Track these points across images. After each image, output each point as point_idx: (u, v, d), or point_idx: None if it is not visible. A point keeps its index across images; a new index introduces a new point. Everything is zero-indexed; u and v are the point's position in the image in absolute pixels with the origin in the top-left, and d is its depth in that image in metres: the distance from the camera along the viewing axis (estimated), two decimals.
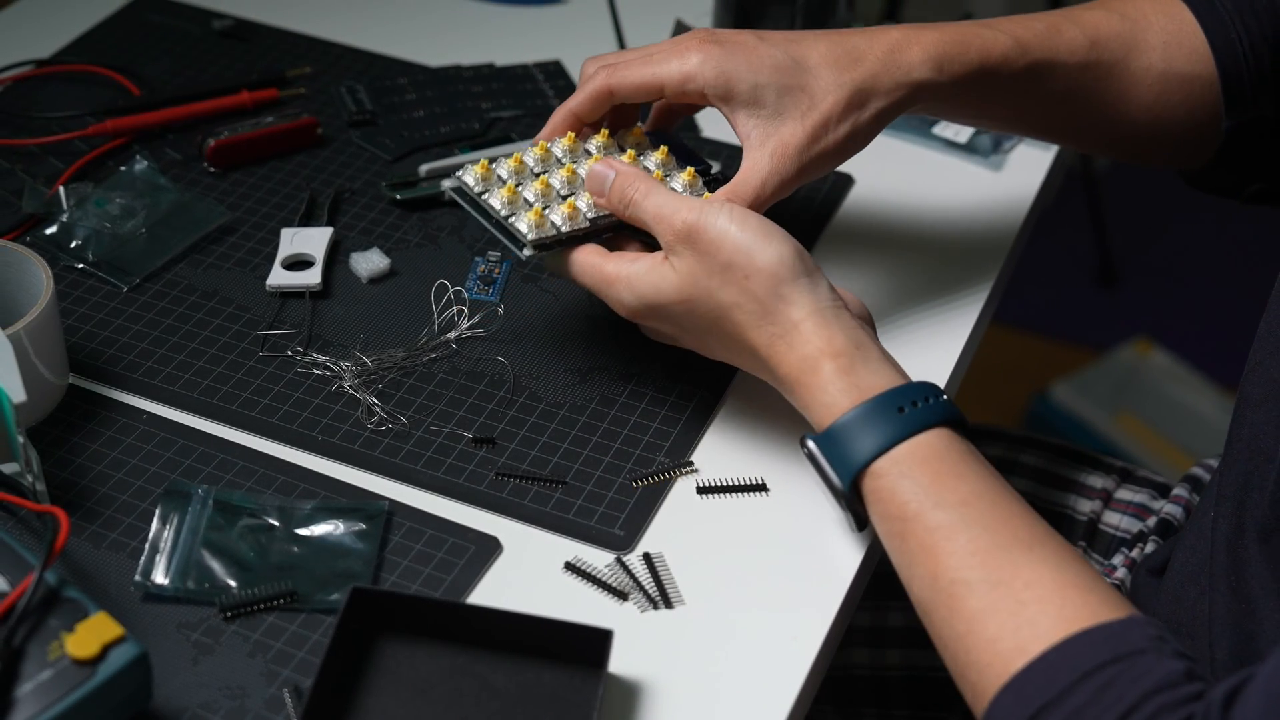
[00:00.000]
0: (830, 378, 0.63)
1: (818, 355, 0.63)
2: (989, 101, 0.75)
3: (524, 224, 0.69)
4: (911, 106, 0.73)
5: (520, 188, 0.71)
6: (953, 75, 0.72)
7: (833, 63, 0.71)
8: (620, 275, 0.68)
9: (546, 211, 0.70)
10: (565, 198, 0.71)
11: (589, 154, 0.73)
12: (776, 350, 0.64)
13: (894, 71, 0.71)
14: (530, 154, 0.73)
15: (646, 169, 0.73)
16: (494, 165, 0.72)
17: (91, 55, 0.98)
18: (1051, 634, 0.54)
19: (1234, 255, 2.08)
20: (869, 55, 0.71)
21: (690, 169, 0.73)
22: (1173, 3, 0.78)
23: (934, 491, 0.60)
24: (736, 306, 0.65)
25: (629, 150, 0.73)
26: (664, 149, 0.74)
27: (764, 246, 0.65)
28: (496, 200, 0.71)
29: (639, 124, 0.76)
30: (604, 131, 0.74)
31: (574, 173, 0.72)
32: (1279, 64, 0.76)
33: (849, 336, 0.64)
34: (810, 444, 0.63)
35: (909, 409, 0.61)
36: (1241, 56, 0.76)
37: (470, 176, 0.72)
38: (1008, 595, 0.56)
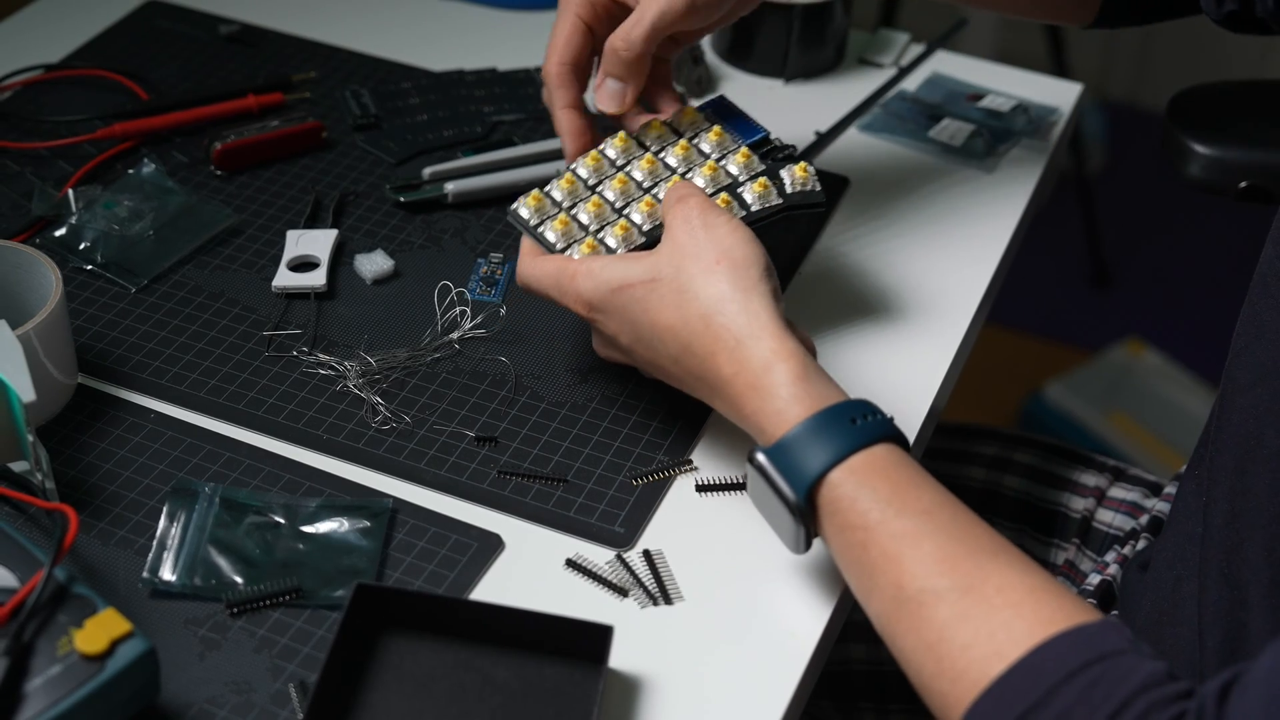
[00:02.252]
0: (783, 381, 0.61)
1: (771, 357, 0.62)
2: None
3: (577, 256, 0.70)
4: None
5: (574, 210, 0.72)
6: None
7: None
8: (581, 268, 0.67)
9: (600, 235, 0.71)
10: (620, 210, 0.72)
11: (644, 148, 0.74)
12: (726, 346, 0.63)
13: None
14: (584, 166, 0.74)
15: (702, 151, 0.75)
16: (547, 190, 0.73)
17: (100, 60, 0.98)
18: (1028, 638, 0.53)
19: (1224, 257, 2.09)
20: None
21: (745, 149, 0.74)
22: None
23: (895, 501, 0.58)
24: (695, 294, 0.64)
25: (683, 139, 0.75)
26: (718, 129, 0.75)
27: (744, 245, 0.65)
28: (551, 234, 0.71)
29: (691, 104, 0.76)
30: (656, 123, 0.75)
31: (625, 181, 0.73)
32: None
33: (798, 347, 0.63)
34: (760, 457, 0.61)
35: (860, 421, 0.60)
36: None
37: (525, 210, 0.72)
38: (979, 601, 0.55)
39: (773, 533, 0.67)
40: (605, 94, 0.74)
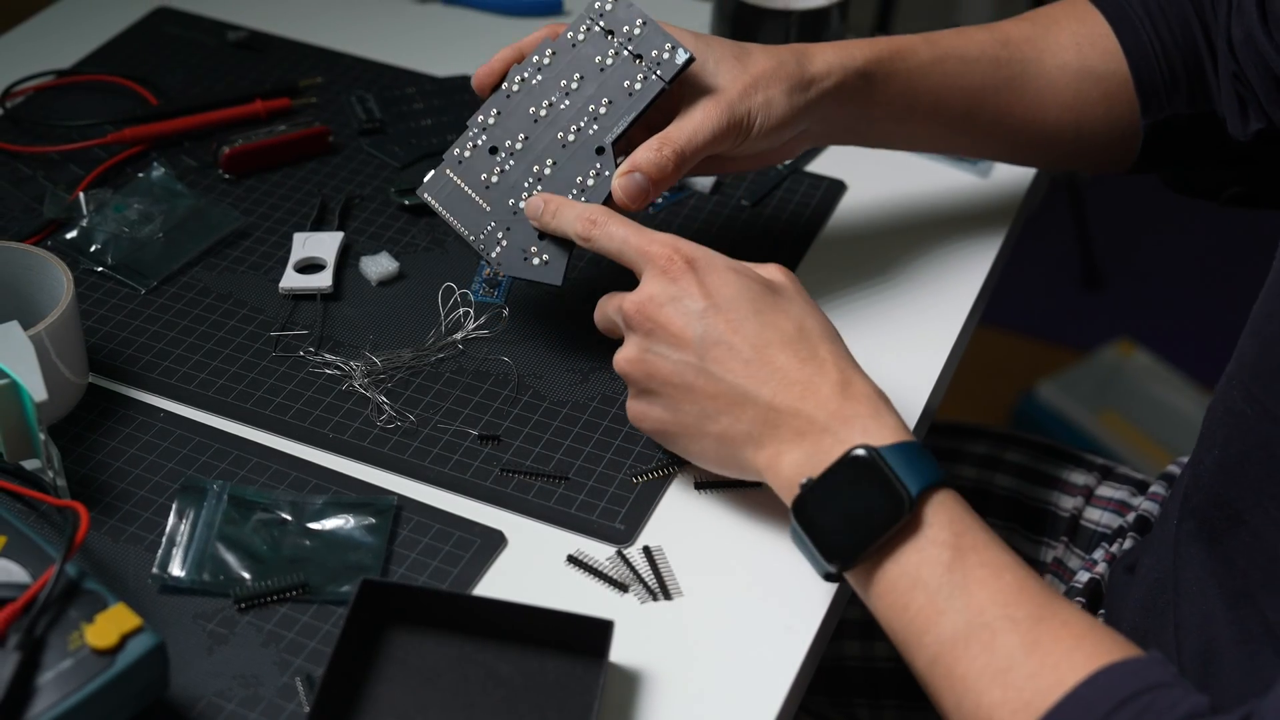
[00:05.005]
0: (888, 408, 0.62)
1: (875, 391, 0.62)
2: (910, 90, 0.77)
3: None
4: (832, 85, 0.74)
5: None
6: (867, 59, 0.75)
7: (761, 49, 0.75)
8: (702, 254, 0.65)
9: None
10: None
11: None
12: (829, 380, 0.62)
13: (823, 50, 0.75)
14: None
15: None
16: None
17: (111, 66, 0.99)
18: (1084, 668, 0.54)
19: (1213, 259, 2.09)
20: (796, 47, 0.75)
21: None
22: (1084, 7, 0.80)
23: (983, 530, 0.59)
24: (772, 324, 0.63)
25: None
26: None
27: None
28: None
29: None
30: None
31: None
32: (1188, 67, 0.78)
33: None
34: (876, 449, 0.59)
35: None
36: (1154, 57, 0.78)
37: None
38: (1046, 633, 0.55)
39: (770, 530, 0.68)
40: (630, 184, 0.71)
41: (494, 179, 0.74)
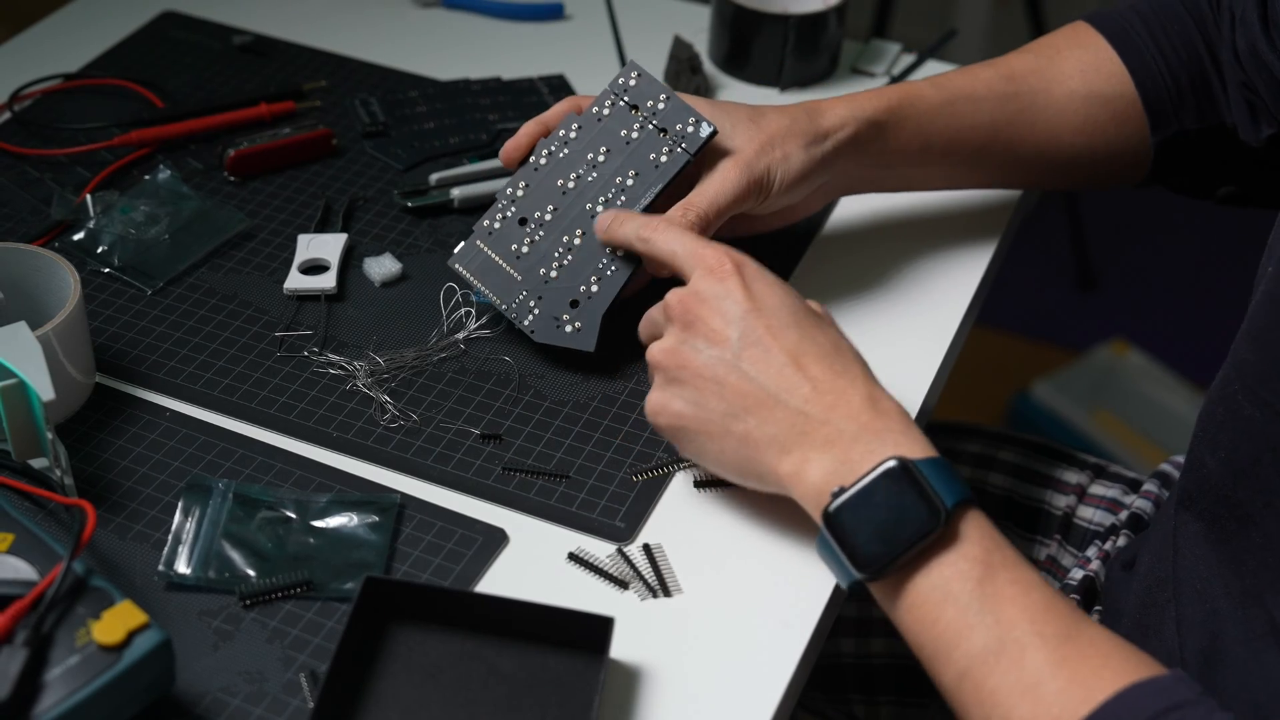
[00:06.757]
0: (915, 426, 0.62)
1: (903, 410, 0.62)
2: (922, 133, 0.78)
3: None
4: (847, 136, 0.76)
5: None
6: (877, 108, 0.77)
7: (774, 109, 0.77)
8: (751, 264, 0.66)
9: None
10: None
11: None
12: (851, 380, 0.62)
13: (834, 104, 0.77)
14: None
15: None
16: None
17: (117, 69, 0.99)
18: (1112, 685, 0.54)
19: (1205, 260, 2.10)
20: (806, 104, 0.78)
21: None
22: (1087, 32, 0.81)
23: (1010, 548, 0.59)
24: (810, 336, 0.63)
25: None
26: None
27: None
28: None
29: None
30: None
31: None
32: (1194, 81, 0.79)
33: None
34: (911, 461, 0.59)
35: None
36: (1159, 75, 0.79)
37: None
38: (1074, 651, 0.56)
39: (768, 528, 0.68)
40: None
41: (524, 249, 0.76)
